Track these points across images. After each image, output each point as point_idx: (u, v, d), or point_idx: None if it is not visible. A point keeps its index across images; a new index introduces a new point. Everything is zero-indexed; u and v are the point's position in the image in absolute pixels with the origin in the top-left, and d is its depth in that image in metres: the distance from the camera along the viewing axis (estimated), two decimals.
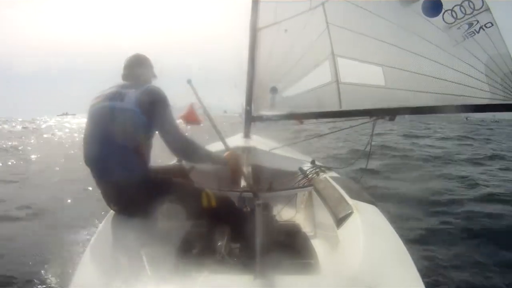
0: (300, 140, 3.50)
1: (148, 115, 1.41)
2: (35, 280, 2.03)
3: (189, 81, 1.84)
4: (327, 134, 4.11)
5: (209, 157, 1.67)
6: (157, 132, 1.49)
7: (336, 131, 3.43)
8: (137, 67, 1.63)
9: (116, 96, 1.45)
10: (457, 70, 2.22)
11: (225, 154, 1.71)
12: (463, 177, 5.10)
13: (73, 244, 2.40)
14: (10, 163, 7.24)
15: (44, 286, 1.99)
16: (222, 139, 1.80)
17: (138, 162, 1.42)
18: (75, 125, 27.95)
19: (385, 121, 2.49)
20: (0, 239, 2.61)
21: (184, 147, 1.53)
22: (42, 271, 2.12)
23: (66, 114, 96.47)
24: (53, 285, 2.00)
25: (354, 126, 2.56)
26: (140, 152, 1.44)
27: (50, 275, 2.08)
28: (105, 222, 1.42)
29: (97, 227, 1.42)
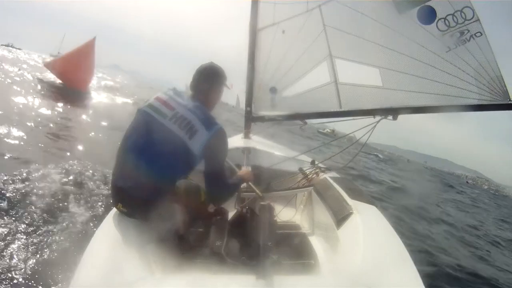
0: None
1: (205, 157, 1.40)
2: (35, 280, 1.99)
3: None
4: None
5: (237, 188, 1.70)
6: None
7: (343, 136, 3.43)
8: (214, 89, 1.55)
9: (186, 126, 1.35)
10: (450, 74, 2.34)
11: (240, 173, 1.78)
12: None
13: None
14: None
15: (43, 286, 1.96)
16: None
17: (170, 189, 1.41)
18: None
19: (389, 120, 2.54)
20: None
21: (222, 198, 1.55)
22: (41, 271, 2.07)
23: (12, 46, 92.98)
24: (53, 285, 1.95)
25: (359, 129, 2.60)
26: (176, 181, 1.44)
27: (49, 275, 2.04)
28: (105, 222, 1.40)
29: (97, 227, 1.39)
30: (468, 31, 2.08)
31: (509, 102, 2.24)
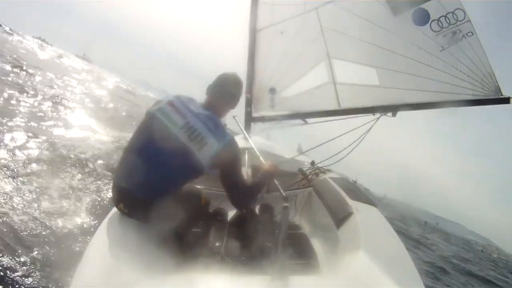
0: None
1: (216, 168, 1.41)
2: (35, 280, 1.96)
3: (234, 117, 1.93)
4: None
5: (260, 189, 1.64)
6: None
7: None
8: (233, 101, 1.57)
9: (197, 138, 1.35)
10: (444, 71, 2.41)
11: (265, 168, 1.67)
12: None
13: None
14: None
15: (44, 286, 1.94)
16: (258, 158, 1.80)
17: (173, 192, 1.41)
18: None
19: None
20: None
21: (246, 202, 1.57)
22: (41, 271, 2.05)
23: (44, 40, 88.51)
24: (53, 285, 1.95)
25: (359, 126, 2.63)
26: (181, 185, 1.46)
27: (49, 275, 2.03)
28: (105, 222, 1.38)
29: (97, 227, 1.38)
30: (460, 31, 2.15)
31: (501, 96, 2.33)
